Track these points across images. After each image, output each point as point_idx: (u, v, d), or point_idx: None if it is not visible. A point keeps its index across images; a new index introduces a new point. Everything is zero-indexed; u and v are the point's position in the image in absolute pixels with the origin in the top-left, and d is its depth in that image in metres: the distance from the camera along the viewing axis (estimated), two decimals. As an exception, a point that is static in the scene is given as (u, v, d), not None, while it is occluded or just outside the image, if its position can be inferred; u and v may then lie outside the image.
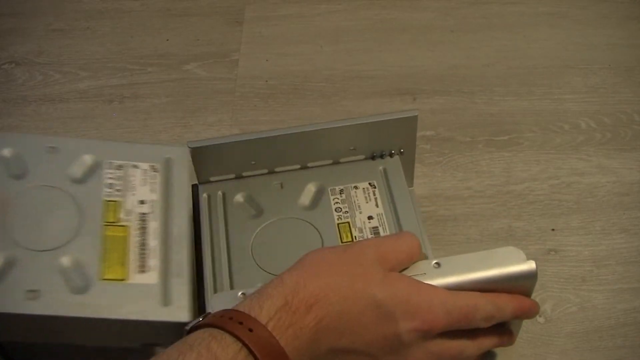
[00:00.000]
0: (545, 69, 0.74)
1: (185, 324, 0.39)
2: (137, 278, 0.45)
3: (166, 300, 0.44)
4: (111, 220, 0.47)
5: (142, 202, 0.48)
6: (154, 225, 0.48)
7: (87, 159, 0.49)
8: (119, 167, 0.49)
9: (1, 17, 0.84)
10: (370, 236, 0.49)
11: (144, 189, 0.49)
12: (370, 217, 0.50)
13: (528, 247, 0.57)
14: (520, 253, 0.43)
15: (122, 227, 0.47)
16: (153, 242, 0.47)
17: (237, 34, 0.79)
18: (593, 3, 0.83)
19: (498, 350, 0.50)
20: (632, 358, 0.52)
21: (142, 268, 0.45)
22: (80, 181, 0.48)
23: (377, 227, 0.50)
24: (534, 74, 0.73)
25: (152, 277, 0.45)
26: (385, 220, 0.50)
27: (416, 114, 0.53)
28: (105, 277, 0.44)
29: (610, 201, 0.61)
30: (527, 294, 0.44)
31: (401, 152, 0.55)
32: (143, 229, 0.47)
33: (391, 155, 0.55)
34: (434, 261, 0.42)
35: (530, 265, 0.42)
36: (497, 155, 0.65)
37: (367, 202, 0.51)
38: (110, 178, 0.48)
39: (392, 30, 0.79)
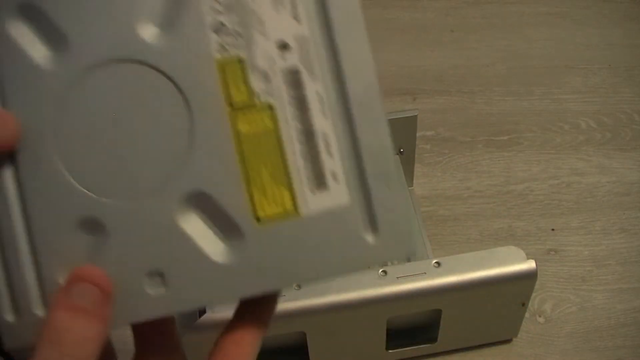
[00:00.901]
0: (545, 69, 0.74)
1: None
2: (315, 203, 0.26)
3: (373, 226, 0.26)
4: (240, 99, 0.26)
5: (282, 46, 0.26)
6: (317, 90, 0.26)
7: None
8: None
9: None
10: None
11: (278, 18, 0.26)
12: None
13: (528, 247, 0.57)
14: (520, 253, 0.43)
15: (264, 111, 0.26)
16: (325, 124, 0.26)
17: (237, 34, 0.79)
18: (593, 3, 0.83)
19: (498, 350, 0.50)
20: (632, 358, 0.52)
21: (320, 181, 0.26)
22: (161, 35, 0.26)
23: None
24: (534, 74, 0.73)
25: (340, 195, 0.26)
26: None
27: (416, 114, 0.53)
28: (261, 214, 0.26)
29: (610, 201, 0.61)
30: (527, 293, 0.44)
31: (401, 152, 0.55)
32: (301, 103, 0.26)
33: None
34: (434, 261, 0.42)
35: (530, 265, 0.42)
36: (497, 155, 0.65)
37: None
38: (214, 12, 0.26)
39: (392, 30, 0.79)
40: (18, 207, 0.26)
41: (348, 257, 0.26)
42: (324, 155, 0.26)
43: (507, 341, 0.51)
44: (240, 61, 0.26)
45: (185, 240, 0.26)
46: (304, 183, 0.26)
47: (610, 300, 0.54)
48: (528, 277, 0.43)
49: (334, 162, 0.26)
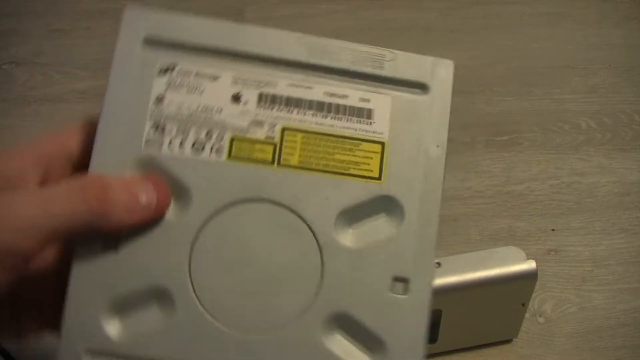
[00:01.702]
0: (545, 69, 0.74)
1: None
2: None
3: None
4: None
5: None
6: None
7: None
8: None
9: (1, 17, 0.84)
10: None
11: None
12: None
13: (528, 247, 0.57)
14: (520, 253, 0.43)
15: None
16: None
17: (237, 34, 0.79)
18: (593, 3, 0.83)
19: (498, 351, 0.50)
20: (632, 358, 0.52)
21: None
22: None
23: None
24: (534, 74, 0.73)
25: None
26: None
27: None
28: None
29: (610, 201, 0.61)
30: (528, 293, 0.44)
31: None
32: None
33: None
34: (434, 261, 0.42)
35: (530, 265, 0.42)
36: (497, 156, 0.65)
37: None
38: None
39: (392, 30, 0.79)
40: None
41: None
42: None
43: (508, 341, 0.51)
44: None
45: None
46: None
47: (610, 300, 0.54)
48: (528, 277, 0.43)
49: None
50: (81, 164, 0.32)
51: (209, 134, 0.32)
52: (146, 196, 0.29)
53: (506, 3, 0.83)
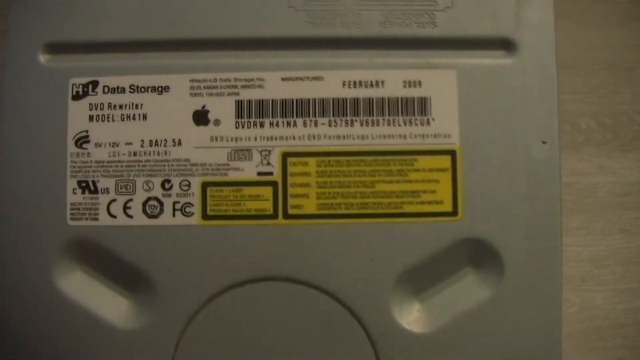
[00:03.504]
0: (545, 69, 0.74)
1: None
2: None
3: None
4: None
5: None
6: None
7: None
8: None
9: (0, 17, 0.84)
10: None
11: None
12: None
13: (528, 247, 0.57)
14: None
15: None
16: None
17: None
18: (593, 3, 0.83)
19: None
20: (632, 358, 0.52)
21: None
22: None
23: None
24: (534, 74, 0.73)
25: None
26: None
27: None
28: None
29: (610, 201, 0.61)
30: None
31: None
32: None
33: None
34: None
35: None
36: (497, 156, 0.65)
37: None
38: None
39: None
40: None
41: None
42: None
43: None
44: None
45: None
46: None
47: (610, 301, 0.54)
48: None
49: None
50: None
51: (166, 185, 0.20)
52: None
53: (506, 3, 0.83)
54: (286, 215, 0.20)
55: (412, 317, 0.18)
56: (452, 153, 0.19)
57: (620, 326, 0.53)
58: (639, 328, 0.53)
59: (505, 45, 0.19)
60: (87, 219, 0.21)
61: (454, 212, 0.19)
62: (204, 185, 0.20)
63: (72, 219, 0.21)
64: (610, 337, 0.53)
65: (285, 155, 0.19)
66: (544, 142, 0.19)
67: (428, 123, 0.19)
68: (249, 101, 0.21)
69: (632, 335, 0.53)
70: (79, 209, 0.21)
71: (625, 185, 0.62)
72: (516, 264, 0.18)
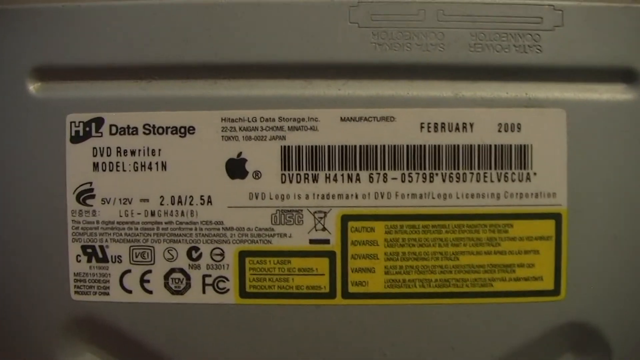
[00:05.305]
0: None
1: None
2: None
3: None
4: None
5: None
6: None
7: None
8: None
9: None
10: None
11: None
12: None
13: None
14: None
15: None
16: None
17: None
18: None
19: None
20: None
21: None
22: None
23: None
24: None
25: None
26: None
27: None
28: None
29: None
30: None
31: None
32: None
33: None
34: None
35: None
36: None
37: None
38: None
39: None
40: None
41: None
42: None
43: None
44: None
45: None
46: None
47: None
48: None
49: None
50: None
51: (193, 254, 0.16)
52: None
53: None
54: (346, 294, 0.16)
55: None
56: (557, 217, 0.15)
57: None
58: None
59: (627, 76, 0.15)
60: (95, 293, 0.17)
61: (556, 291, 0.15)
62: (242, 255, 0.16)
63: (76, 292, 0.17)
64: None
65: (345, 219, 0.15)
66: None
67: (528, 178, 0.15)
68: (299, 147, 0.16)
69: None
70: (84, 280, 0.17)
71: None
72: (625, 353, 0.15)
